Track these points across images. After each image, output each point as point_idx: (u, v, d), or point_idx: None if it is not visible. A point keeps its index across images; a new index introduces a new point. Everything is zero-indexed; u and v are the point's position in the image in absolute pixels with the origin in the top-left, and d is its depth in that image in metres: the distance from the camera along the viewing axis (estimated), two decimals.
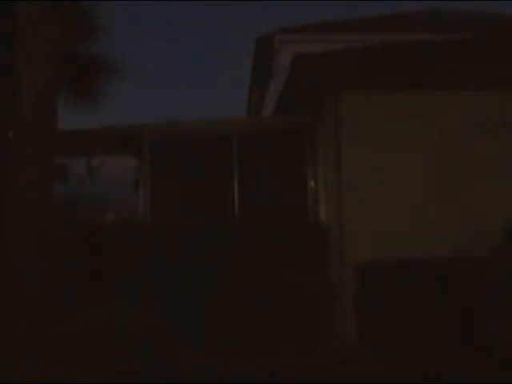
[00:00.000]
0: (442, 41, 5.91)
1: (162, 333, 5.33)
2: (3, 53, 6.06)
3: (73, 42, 7.90)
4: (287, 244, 5.88)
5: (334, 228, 6.04)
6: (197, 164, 7.84)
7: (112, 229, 7.08)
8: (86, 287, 5.72)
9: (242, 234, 6.11)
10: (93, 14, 7.76)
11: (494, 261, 5.15)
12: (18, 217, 5.14)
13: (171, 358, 4.85)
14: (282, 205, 7.56)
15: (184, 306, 5.72)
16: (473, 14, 14.40)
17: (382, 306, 5.25)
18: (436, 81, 5.82)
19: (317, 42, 9.96)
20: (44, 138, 5.30)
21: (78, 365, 4.43)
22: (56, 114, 5.84)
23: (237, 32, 41.12)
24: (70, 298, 5.47)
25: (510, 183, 5.93)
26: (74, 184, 18.68)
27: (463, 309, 5.21)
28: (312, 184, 7.42)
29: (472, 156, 5.97)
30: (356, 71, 5.74)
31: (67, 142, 13.32)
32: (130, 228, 6.50)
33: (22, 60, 5.16)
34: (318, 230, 6.18)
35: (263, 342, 5.17)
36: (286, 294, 5.67)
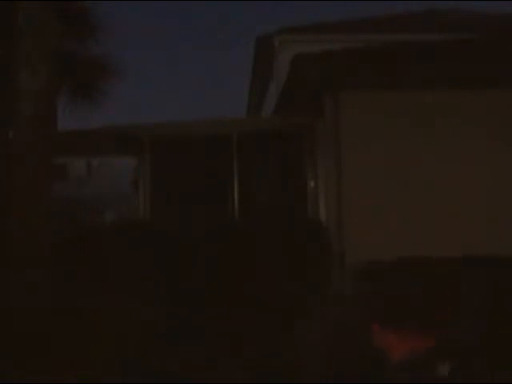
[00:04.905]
0: (441, 41, 5.91)
1: (162, 333, 5.33)
2: (3, 53, 6.06)
3: (73, 41, 7.90)
4: (287, 244, 5.88)
5: (333, 228, 6.05)
6: (197, 164, 7.84)
7: (112, 229, 7.09)
8: (86, 287, 5.72)
9: (242, 233, 6.11)
10: (93, 14, 7.76)
11: None
12: (17, 217, 5.13)
13: (171, 358, 4.85)
14: (282, 205, 7.56)
15: (184, 306, 5.72)
16: (473, 13, 14.40)
17: (382, 306, 5.25)
18: (436, 81, 5.82)
19: (317, 42, 9.95)
20: (44, 138, 5.29)
21: (78, 365, 4.42)
22: (56, 113, 5.84)
23: (237, 32, 41.20)
24: (70, 298, 5.47)
25: (510, 183, 5.93)
26: (73, 184, 18.67)
27: (462, 309, 5.20)
28: (312, 184, 7.43)
29: (472, 156, 5.97)
30: (356, 71, 5.74)
31: (67, 141, 13.30)
32: (130, 228, 6.50)
33: (21, 60, 5.15)
34: (318, 230, 6.18)
35: (263, 342, 5.17)
36: (285, 293, 5.67)
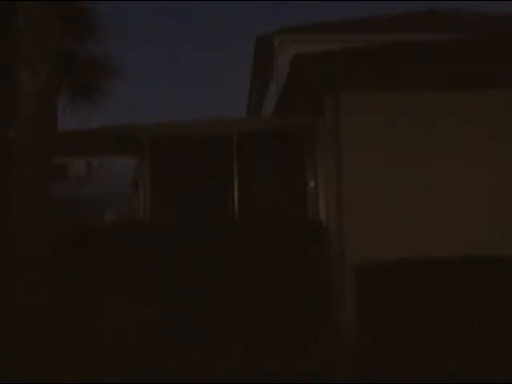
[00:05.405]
0: (441, 41, 5.90)
1: (162, 333, 5.33)
2: (3, 53, 6.06)
3: (73, 41, 7.90)
4: (287, 244, 5.88)
5: (333, 228, 6.05)
6: (197, 164, 7.85)
7: (112, 229, 7.09)
8: (86, 287, 5.73)
9: (242, 233, 6.11)
10: (93, 14, 7.76)
11: None
12: (17, 217, 5.13)
13: (171, 358, 4.85)
14: (282, 205, 7.57)
15: (184, 306, 5.72)
16: (473, 13, 14.41)
17: (382, 306, 5.26)
18: (436, 81, 5.82)
19: (317, 42, 9.95)
20: (44, 138, 5.30)
21: (78, 365, 4.43)
22: (56, 113, 5.84)
23: (237, 32, 41.21)
24: (70, 298, 5.48)
25: (510, 183, 5.93)
26: (74, 184, 18.67)
27: (463, 309, 5.21)
28: (312, 184, 7.43)
29: (472, 156, 5.97)
30: (356, 71, 5.74)
31: (67, 141, 13.31)
32: (130, 228, 6.51)
33: (21, 60, 5.15)
34: (318, 230, 6.18)
35: (263, 342, 5.18)
36: (285, 293, 5.67)
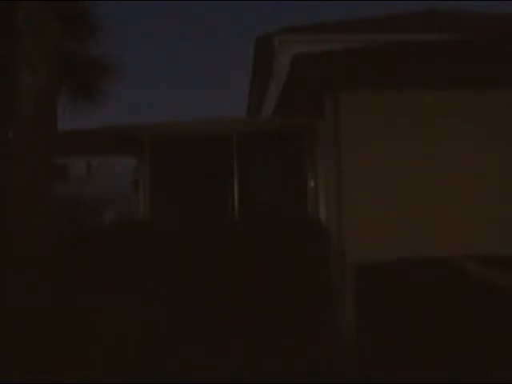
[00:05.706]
0: (441, 41, 5.91)
1: (162, 333, 5.33)
2: (3, 53, 6.06)
3: (73, 41, 7.91)
4: (287, 244, 5.88)
5: (333, 228, 6.05)
6: (197, 164, 7.85)
7: (112, 229, 7.10)
8: (86, 287, 5.73)
9: (242, 233, 6.11)
10: (93, 14, 7.76)
11: None
12: (17, 217, 5.13)
13: (171, 358, 4.85)
14: (282, 205, 7.57)
15: (184, 306, 5.73)
16: (473, 13, 14.41)
17: (382, 306, 5.26)
18: (436, 81, 5.82)
19: (317, 42, 9.95)
20: (44, 138, 5.30)
21: (78, 365, 4.43)
22: (56, 113, 5.85)
23: (237, 32, 41.21)
24: (70, 298, 5.48)
25: (510, 183, 5.93)
26: (74, 184, 18.67)
27: (462, 309, 5.21)
28: (312, 184, 7.43)
29: (472, 156, 5.97)
30: (356, 71, 5.74)
31: (67, 141, 13.31)
32: (130, 228, 6.51)
33: (21, 60, 5.16)
34: (318, 230, 6.18)
35: (263, 342, 5.18)
36: (285, 293, 5.67)
